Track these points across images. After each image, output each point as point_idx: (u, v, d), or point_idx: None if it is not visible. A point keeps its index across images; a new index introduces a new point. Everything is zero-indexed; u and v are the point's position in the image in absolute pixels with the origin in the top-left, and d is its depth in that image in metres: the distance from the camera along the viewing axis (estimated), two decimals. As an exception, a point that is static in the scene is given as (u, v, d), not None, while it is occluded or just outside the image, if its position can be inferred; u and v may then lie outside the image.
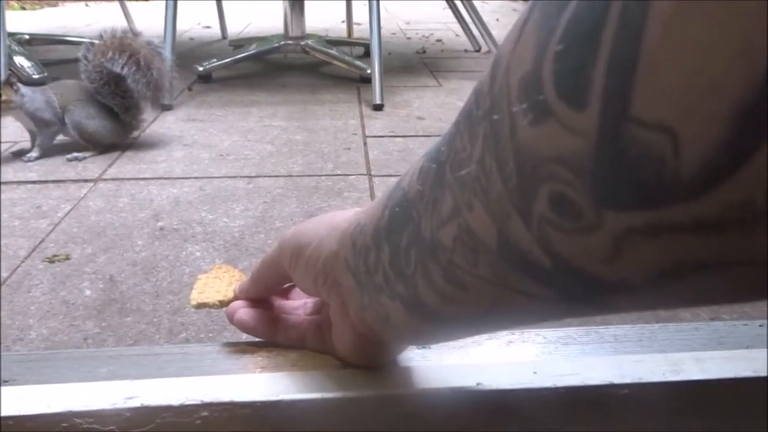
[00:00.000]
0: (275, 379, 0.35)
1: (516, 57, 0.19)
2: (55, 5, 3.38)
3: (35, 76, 1.73)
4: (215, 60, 1.85)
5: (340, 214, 0.35)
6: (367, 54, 2.08)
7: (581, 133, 0.16)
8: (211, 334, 0.70)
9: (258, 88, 1.78)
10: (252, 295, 0.42)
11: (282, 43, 1.95)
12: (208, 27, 2.77)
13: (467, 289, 0.23)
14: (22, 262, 0.84)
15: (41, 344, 0.68)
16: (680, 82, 0.14)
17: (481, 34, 2.27)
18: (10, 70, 1.21)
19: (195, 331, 0.71)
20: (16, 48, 1.79)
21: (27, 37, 2.02)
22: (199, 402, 0.31)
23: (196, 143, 1.31)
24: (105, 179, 1.13)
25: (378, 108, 1.57)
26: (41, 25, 2.78)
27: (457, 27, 2.46)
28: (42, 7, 3.31)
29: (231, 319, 0.41)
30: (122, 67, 1.20)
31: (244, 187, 1.09)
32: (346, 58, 1.93)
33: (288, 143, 1.32)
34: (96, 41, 1.23)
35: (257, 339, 0.42)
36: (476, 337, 0.41)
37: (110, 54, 1.20)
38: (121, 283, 0.79)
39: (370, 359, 0.35)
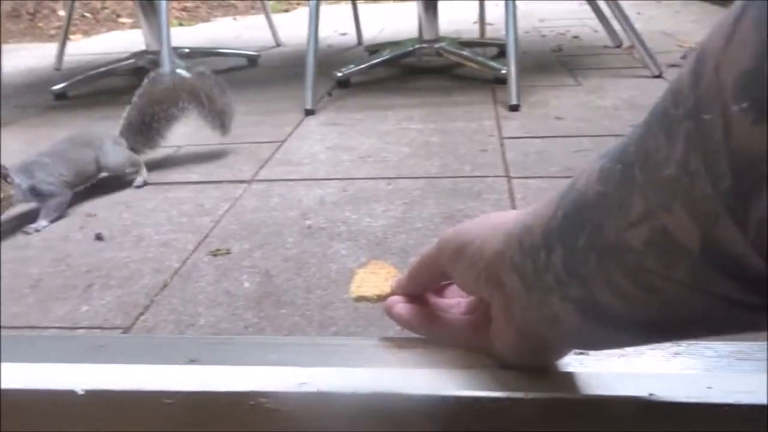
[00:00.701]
0: (436, 374, 0.37)
1: (730, 55, 0.18)
2: (207, 20, 3.69)
3: (194, 86, 1.90)
4: (353, 66, 1.92)
5: (502, 215, 0.35)
6: (500, 54, 2.05)
7: None
8: (358, 329, 0.73)
9: (394, 91, 1.82)
10: (409, 291, 0.43)
11: (416, 46, 1.99)
12: (344, 34, 2.88)
13: (658, 293, 0.23)
14: (191, 255, 0.93)
15: (209, 330, 0.75)
16: None
17: (623, 29, 2.16)
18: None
19: (344, 325, 0.74)
20: (178, 61, 1.98)
21: (187, 50, 2.22)
22: (369, 392, 0.33)
23: (337, 146, 1.38)
24: (258, 180, 1.21)
25: (514, 108, 1.55)
26: (196, 39, 3.03)
27: (593, 22, 2.36)
28: (196, 22, 3.61)
29: (389, 313, 0.43)
30: (190, 108, 1.31)
31: (385, 188, 1.13)
32: (480, 59, 1.92)
33: (425, 145, 1.34)
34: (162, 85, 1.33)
35: (412, 335, 0.44)
36: (638, 347, 0.39)
37: (181, 100, 1.30)
38: (275, 277, 0.85)
39: (530, 360, 0.35)
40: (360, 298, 0.46)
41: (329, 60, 2.27)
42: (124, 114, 1.29)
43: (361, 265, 0.52)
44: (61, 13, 3.72)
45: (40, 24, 3.73)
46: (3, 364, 0.42)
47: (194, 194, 1.17)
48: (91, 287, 0.87)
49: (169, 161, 1.36)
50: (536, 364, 0.35)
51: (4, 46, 1.90)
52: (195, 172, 1.28)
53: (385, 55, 2.01)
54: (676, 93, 0.21)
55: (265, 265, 0.89)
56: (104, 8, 3.80)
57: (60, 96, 1.97)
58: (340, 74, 1.88)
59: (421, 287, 0.43)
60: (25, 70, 2.50)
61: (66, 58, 2.49)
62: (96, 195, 1.20)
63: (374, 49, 2.29)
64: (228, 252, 0.93)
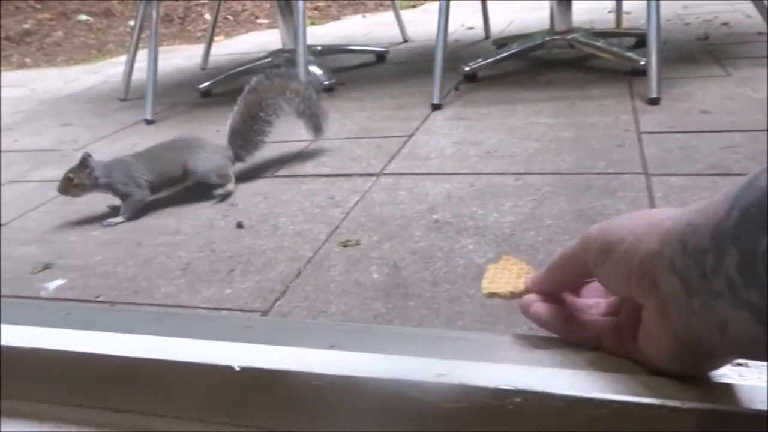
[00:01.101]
0: (578, 375, 0.36)
1: None
2: (337, 19, 3.81)
3: (326, 83, 1.97)
4: (480, 60, 1.90)
5: (658, 212, 0.33)
6: (638, 45, 1.94)
7: None
8: (486, 325, 0.73)
9: (522, 85, 1.78)
10: (545, 289, 0.42)
11: (547, 38, 1.93)
12: (471, 28, 2.85)
13: None
14: (323, 245, 0.97)
15: (339, 318, 0.78)
16: None
17: (783, 13, 1.95)
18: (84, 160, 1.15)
19: (471, 320, 0.74)
20: (311, 58, 2.06)
21: (319, 48, 2.31)
22: (512, 388, 0.33)
23: (464, 140, 1.37)
24: (386, 174, 1.24)
25: (654, 102, 1.45)
26: (328, 37, 3.14)
27: (745, 6, 2.16)
28: (327, 21, 3.75)
29: (526, 311, 0.42)
30: (287, 110, 1.33)
31: (513, 183, 1.11)
32: (616, 49, 1.82)
33: (555, 140, 1.30)
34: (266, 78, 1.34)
35: (548, 334, 0.43)
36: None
37: (278, 102, 1.32)
38: (403, 270, 0.87)
39: (685, 368, 0.33)
40: (492, 294, 0.45)
41: (456, 54, 2.26)
42: (229, 121, 1.32)
43: (492, 260, 0.52)
44: (207, 16, 4.01)
45: (189, 27, 4.04)
46: (163, 338, 0.46)
47: (326, 186, 1.22)
48: (233, 272, 0.93)
49: (302, 155, 1.42)
50: (691, 373, 0.33)
51: (161, 48, 2.10)
52: (327, 166, 1.33)
53: (514, 48, 1.96)
54: None
55: (393, 257, 0.91)
56: (244, 10, 4.05)
57: (205, 94, 2.13)
58: (467, 68, 1.87)
59: (560, 286, 0.42)
60: (175, 70, 2.73)
61: (210, 58, 2.68)
62: (236, 185, 1.28)
63: (502, 42, 2.25)
64: (357, 243, 0.96)
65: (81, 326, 0.50)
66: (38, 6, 4.75)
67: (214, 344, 0.42)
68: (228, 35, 3.70)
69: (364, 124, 1.61)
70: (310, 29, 2.18)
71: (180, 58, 3.07)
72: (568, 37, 1.89)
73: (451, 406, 0.35)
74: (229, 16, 3.98)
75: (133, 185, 1.20)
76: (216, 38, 3.07)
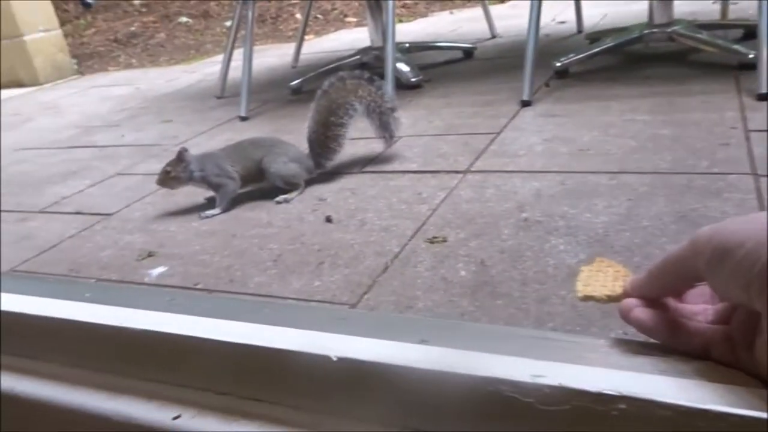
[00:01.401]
0: (687, 385, 0.34)
1: None
2: (425, 16, 3.80)
3: (413, 80, 1.98)
4: (572, 55, 1.84)
5: None
6: (747, 37, 1.81)
7: None
8: (578, 328, 0.71)
9: (617, 81, 1.71)
10: (646, 293, 0.40)
11: (645, 32, 1.84)
12: (562, 22, 2.77)
13: None
14: (409, 240, 0.98)
15: (427, 313, 0.78)
16: None
17: None
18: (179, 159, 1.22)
19: (562, 321, 0.72)
20: (399, 55, 2.07)
21: (407, 45, 2.32)
22: (616, 393, 0.32)
23: (555, 138, 1.33)
24: (473, 171, 1.23)
25: (763, 98, 1.35)
26: (415, 34, 3.15)
27: None
28: (415, 18, 3.75)
29: (626, 316, 0.41)
30: (359, 112, 1.31)
31: (607, 183, 1.07)
32: (721, 42, 1.71)
33: (653, 138, 1.24)
34: (347, 79, 1.33)
35: (650, 340, 0.41)
36: None
37: (351, 104, 1.30)
38: (490, 268, 0.86)
39: None
40: (587, 298, 0.43)
41: (547, 50, 2.20)
42: (306, 128, 1.33)
43: (585, 262, 0.50)
44: (298, 16, 4.12)
45: (281, 27, 4.17)
46: (261, 325, 0.48)
47: (412, 183, 1.22)
48: (322, 265, 0.96)
49: (389, 151, 1.43)
50: None
51: (254, 48, 2.19)
52: (413, 162, 1.34)
53: (608, 42, 1.89)
54: None
55: (480, 255, 0.90)
56: (333, 9, 4.13)
57: (296, 91, 2.19)
58: (558, 64, 1.81)
59: (663, 290, 0.40)
60: (267, 69, 2.82)
61: (301, 56, 2.76)
62: (325, 181, 1.31)
63: (595, 36, 2.16)
64: (444, 240, 0.96)
65: (184, 311, 0.53)
66: (143, 9, 5.05)
67: (311, 334, 0.43)
68: (318, 34, 3.79)
69: (450, 120, 1.60)
70: (398, 27, 2.18)
71: (272, 56, 3.17)
72: (668, 29, 1.79)
73: (548, 408, 0.34)
74: (318, 15, 4.07)
75: (225, 176, 1.26)
76: (306, 37, 3.14)
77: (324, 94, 1.32)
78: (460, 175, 1.21)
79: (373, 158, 1.40)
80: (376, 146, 1.46)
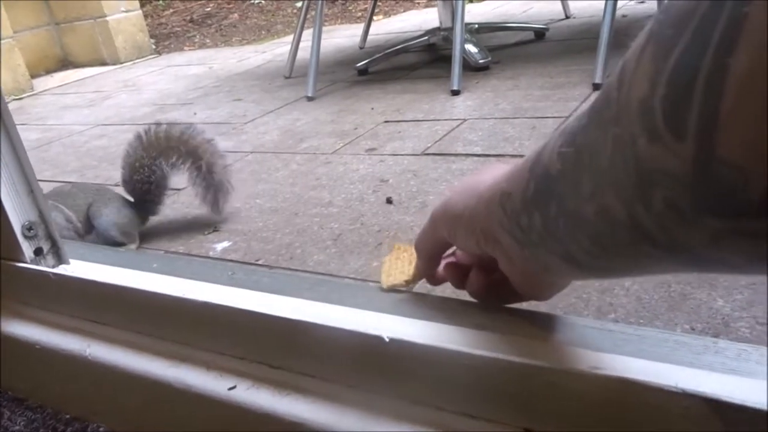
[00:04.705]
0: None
1: (636, 79, 0.23)
2: (496, -5, 3.71)
3: (480, 61, 1.94)
4: (651, 36, 1.75)
5: (480, 182, 0.39)
6: None
7: (682, 158, 0.22)
8: (641, 320, 0.68)
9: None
10: (426, 267, 0.48)
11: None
12: (642, 2, 2.64)
13: (610, 250, 0.29)
14: (470, 225, 0.97)
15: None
16: (750, 134, 0.20)
17: None
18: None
19: (624, 313, 0.70)
20: (467, 36, 2.03)
21: (476, 26, 2.27)
22: (680, 391, 0.30)
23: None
24: (539, 156, 1.20)
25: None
26: (486, 14, 3.08)
27: None
28: (486, -2, 3.67)
29: (432, 284, 0.49)
30: (182, 169, 1.10)
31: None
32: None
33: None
34: (146, 133, 1.09)
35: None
36: None
37: (173, 156, 1.08)
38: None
39: (536, 295, 0.42)
40: (391, 287, 0.48)
41: (624, 31, 2.11)
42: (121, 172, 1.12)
43: (388, 253, 0.53)
44: (367, -4, 4.11)
45: (350, 7, 4.17)
46: (317, 303, 0.48)
47: (475, 166, 1.20)
48: (381, 245, 0.96)
49: (453, 133, 1.42)
50: (540, 298, 0.42)
51: (323, 28, 2.21)
52: (478, 145, 1.32)
53: (691, 23, 1.79)
54: (608, 95, 0.26)
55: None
56: (403, -11, 4.09)
57: (362, 72, 2.19)
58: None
59: (432, 258, 0.47)
60: (335, 49, 2.83)
61: (369, 37, 2.75)
62: (387, 163, 1.31)
63: (677, 17, 2.06)
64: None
65: (244, 285, 0.54)
66: (218, -10, 5.17)
67: (365, 313, 0.43)
68: (386, 14, 3.77)
69: (518, 103, 1.56)
70: (468, 7, 2.15)
71: (341, 37, 3.18)
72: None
73: (605, 400, 0.33)
74: (388, -4, 4.05)
75: (72, 231, 1.05)
76: (375, 17, 3.14)
77: (137, 140, 1.09)
78: (526, 160, 1.18)
79: (436, 140, 1.39)
80: (440, 128, 1.44)
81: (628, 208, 0.26)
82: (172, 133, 1.08)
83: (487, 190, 0.38)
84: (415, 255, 0.49)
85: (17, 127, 0.62)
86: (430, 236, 0.45)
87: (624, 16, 2.42)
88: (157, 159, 1.08)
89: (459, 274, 0.46)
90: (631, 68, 0.24)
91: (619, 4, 2.66)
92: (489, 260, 0.41)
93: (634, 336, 0.40)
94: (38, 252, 0.64)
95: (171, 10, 5.11)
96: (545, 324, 0.41)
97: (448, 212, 0.42)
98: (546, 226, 0.32)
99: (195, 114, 2.10)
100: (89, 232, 1.07)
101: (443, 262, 0.48)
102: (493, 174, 0.39)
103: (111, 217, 1.06)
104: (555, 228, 0.32)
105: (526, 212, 0.34)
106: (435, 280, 0.49)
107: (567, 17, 2.60)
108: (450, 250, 0.48)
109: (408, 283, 0.48)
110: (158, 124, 1.10)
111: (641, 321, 0.68)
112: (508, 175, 0.36)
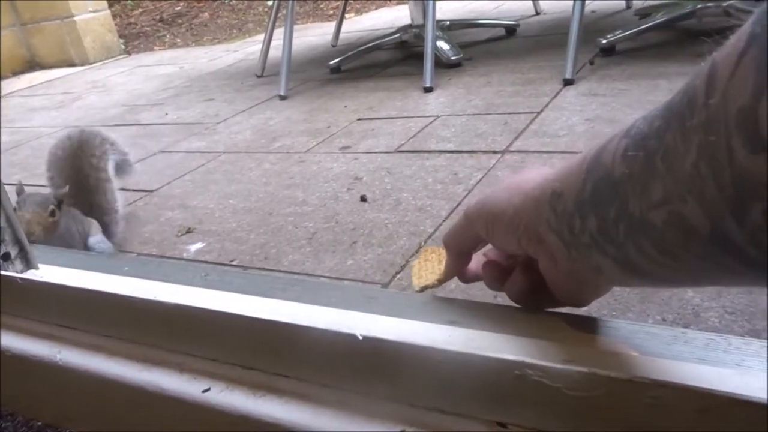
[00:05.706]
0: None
1: (735, 86, 0.22)
2: (467, -8, 3.73)
3: (453, 58, 1.95)
4: (619, 31, 1.78)
5: (526, 181, 0.38)
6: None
7: None
8: (614, 312, 0.69)
9: (667, 58, 1.64)
10: (456, 264, 0.47)
11: (699, 6, 1.76)
12: (610, -2, 2.67)
13: (678, 259, 0.27)
14: (444, 221, 0.97)
15: (459, 295, 0.77)
16: None
17: None
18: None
19: (596, 306, 0.71)
20: (439, 33, 2.04)
21: (448, 23, 2.28)
22: (648, 380, 0.31)
23: (598, 118, 1.30)
24: (511, 151, 1.21)
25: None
26: (457, 11, 3.10)
27: None
28: (457, -5, 3.68)
29: (465, 281, 0.48)
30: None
31: (651, 164, 1.03)
32: (781, 18, 1.63)
33: (702, 118, 1.19)
34: None
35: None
36: None
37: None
38: (526, 250, 0.84)
39: (576, 300, 0.40)
40: (424, 288, 0.47)
41: (593, 27, 2.13)
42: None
43: (416, 255, 0.53)
44: (339, -7, 4.09)
45: (322, 5, 4.16)
46: (291, 302, 0.48)
47: (449, 162, 1.21)
48: (356, 244, 0.96)
49: (426, 130, 1.42)
50: (581, 303, 0.41)
51: (295, 27, 2.19)
52: (451, 142, 1.32)
53: (659, 18, 1.82)
54: (692, 100, 0.24)
55: (517, 237, 0.88)
56: (374, -13, 4.09)
57: (335, 70, 2.18)
58: (604, 41, 1.75)
59: (462, 255, 0.46)
60: (307, 48, 2.82)
61: (341, 35, 2.74)
62: (360, 161, 1.31)
63: (646, 12, 2.09)
64: (481, 221, 0.95)
65: (217, 287, 0.53)
66: (187, -11, 5.10)
67: (338, 312, 0.43)
68: (358, 12, 3.76)
69: (490, 99, 1.57)
70: (439, 4, 2.14)
71: (313, 35, 3.17)
72: (724, 4, 1.71)
73: (577, 394, 0.33)
74: (359, -7, 4.04)
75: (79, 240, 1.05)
76: (347, 15, 3.13)
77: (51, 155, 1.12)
78: (498, 156, 1.19)
79: (409, 137, 1.39)
80: (413, 125, 1.44)
81: (714, 219, 0.24)
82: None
83: (534, 189, 0.37)
84: (444, 255, 0.48)
85: (-20, 130, 0.60)
86: (463, 232, 0.44)
87: (593, 11, 2.45)
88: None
89: (497, 274, 0.44)
90: (727, 74, 0.22)
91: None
92: (527, 262, 0.40)
93: (605, 328, 0.41)
94: (5, 257, 0.63)
95: (140, 10, 5.03)
96: (515, 318, 0.42)
97: (488, 209, 0.40)
98: (602, 229, 0.31)
99: (167, 114, 2.07)
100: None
101: (481, 261, 0.46)
102: (541, 173, 0.38)
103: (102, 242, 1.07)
104: (614, 232, 0.30)
105: (580, 215, 0.33)
106: (466, 278, 0.48)
107: (537, 13, 2.62)
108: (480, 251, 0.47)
109: (440, 282, 0.47)
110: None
111: (614, 313, 0.69)
112: (560, 174, 0.35)
